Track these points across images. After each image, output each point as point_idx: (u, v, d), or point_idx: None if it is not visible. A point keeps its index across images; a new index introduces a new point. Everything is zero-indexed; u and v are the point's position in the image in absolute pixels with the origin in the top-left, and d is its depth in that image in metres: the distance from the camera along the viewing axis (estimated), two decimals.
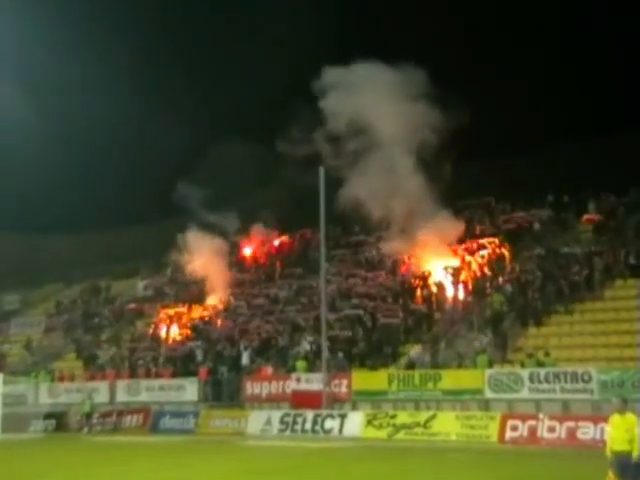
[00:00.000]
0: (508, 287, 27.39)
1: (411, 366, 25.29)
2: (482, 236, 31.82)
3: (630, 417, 11.11)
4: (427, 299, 29.04)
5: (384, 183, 30.41)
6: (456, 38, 34.18)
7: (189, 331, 34.27)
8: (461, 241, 31.55)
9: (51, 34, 36.01)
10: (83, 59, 37.66)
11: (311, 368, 26.79)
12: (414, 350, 26.16)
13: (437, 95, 29.66)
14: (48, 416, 30.99)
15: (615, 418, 11.24)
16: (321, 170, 26.79)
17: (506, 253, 29.69)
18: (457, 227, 31.26)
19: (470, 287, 28.53)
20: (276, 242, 38.54)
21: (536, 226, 30.63)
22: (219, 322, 34.29)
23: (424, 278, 30.38)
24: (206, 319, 35.09)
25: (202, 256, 36.11)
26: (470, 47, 34.25)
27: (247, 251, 38.94)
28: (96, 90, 38.09)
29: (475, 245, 31.29)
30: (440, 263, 30.83)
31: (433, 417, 23.07)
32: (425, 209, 30.36)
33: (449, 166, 29.92)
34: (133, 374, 31.55)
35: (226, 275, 36.69)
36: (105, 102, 37.78)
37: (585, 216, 29.98)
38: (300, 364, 27.06)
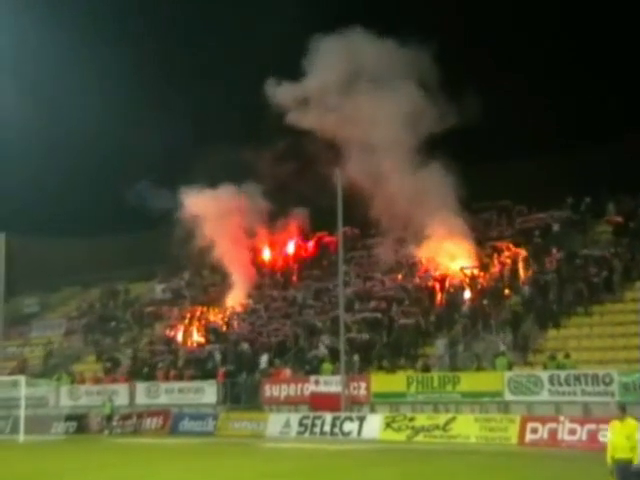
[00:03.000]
0: (527, 289, 27.34)
1: (427, 368, 25.30)
2: (500, 238, 31.78)
3: (630, 423, 10.81)
4: (445, 301, 29.05)
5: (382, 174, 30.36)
6: (472, 40, 34.10)
7: (207, 334, 34.48)
8: (479, 243, 31.52)
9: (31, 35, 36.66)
10: (79, 67, 38.12)
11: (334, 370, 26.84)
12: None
13: (445, 82, 29.47)
14: (69, 418, 31.34)
15: (615, 424, 10.95)
16: (337, 172, 26.89)
17: (524, 255, 29.61)
18: (473, 226, 31.32)
19: (488, 289, 28.48)
20: (291, 247, 38.45)
21: (555, 228, 30.52)
22: (237, 325, 34.49)
23: (442, 280, 30.37)
24: (224, 322, 35.30)
25: (211, 218, 35.17)
26: (486, 47, 34.12)
27: (266, 254, 39.01)
28: (100, 95, 38.46)
29: (493, 247, 31.25)
30: (458, 265, 30.82)
31: (452, 420, 23.08)
32: (435, 206, 30.38)
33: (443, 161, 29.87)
34: (152, 376, 31.80)
35: (240, 234, 35.97)
36: (111, 105, 38.13)
37: (607, 217, 29.81)
38: (326, 366, 27.09)
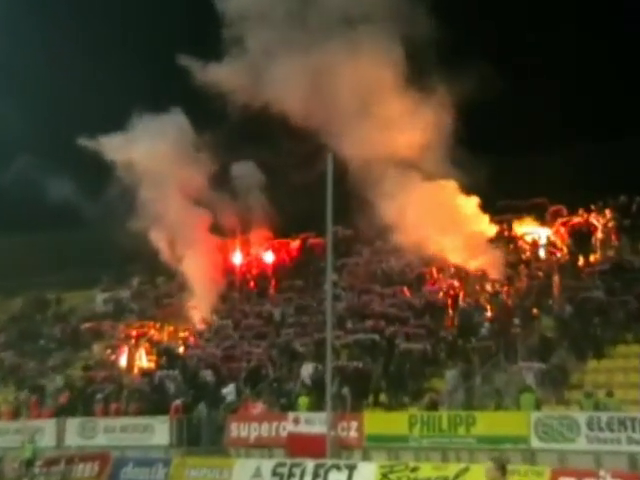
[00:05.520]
0: (563, 308, 27.55)
1: (434, 406, 25.41)
2: (530, 245, 31.99)
3: None
4: (459, 322, 29.21)
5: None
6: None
7: (159, 357, 34.54)
8: (503, 250, 31.72)
9: None
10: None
11: (315, 406, 26.85)
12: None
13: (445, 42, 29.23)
14: None
15: None
16: (329, 157, 26.89)
17: (560, 266, 29.83)
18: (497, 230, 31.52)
19: (513, 308, 28.66)
20: (268, 256, 38.51)
21: (599, 234, 30.79)
22: (198, 346, 34.49)
23: (456, 296, 30.55)
24: (182, 342, 35.33)
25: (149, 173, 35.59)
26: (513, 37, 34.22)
27: (236, 259, 39.08)
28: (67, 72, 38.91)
29: (520, 256, 31.46)
30: (476, 277, 31.00)
31: (465, 471, 23.09)
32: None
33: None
34: (88, 411, 31.65)
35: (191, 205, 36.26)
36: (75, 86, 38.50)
37: None
38: (302, 401, 27.17)
